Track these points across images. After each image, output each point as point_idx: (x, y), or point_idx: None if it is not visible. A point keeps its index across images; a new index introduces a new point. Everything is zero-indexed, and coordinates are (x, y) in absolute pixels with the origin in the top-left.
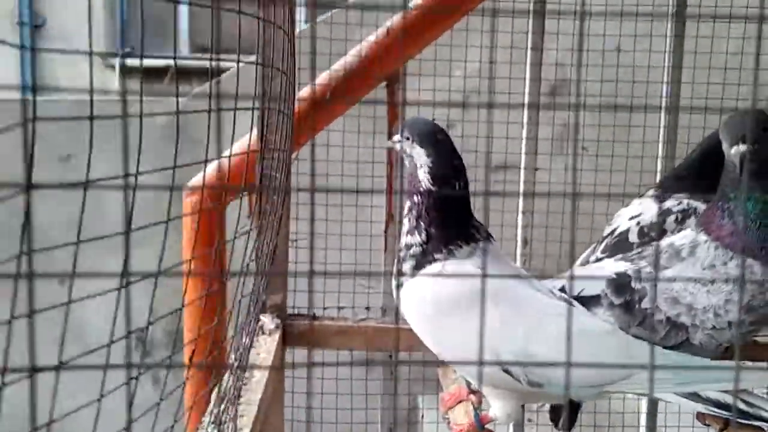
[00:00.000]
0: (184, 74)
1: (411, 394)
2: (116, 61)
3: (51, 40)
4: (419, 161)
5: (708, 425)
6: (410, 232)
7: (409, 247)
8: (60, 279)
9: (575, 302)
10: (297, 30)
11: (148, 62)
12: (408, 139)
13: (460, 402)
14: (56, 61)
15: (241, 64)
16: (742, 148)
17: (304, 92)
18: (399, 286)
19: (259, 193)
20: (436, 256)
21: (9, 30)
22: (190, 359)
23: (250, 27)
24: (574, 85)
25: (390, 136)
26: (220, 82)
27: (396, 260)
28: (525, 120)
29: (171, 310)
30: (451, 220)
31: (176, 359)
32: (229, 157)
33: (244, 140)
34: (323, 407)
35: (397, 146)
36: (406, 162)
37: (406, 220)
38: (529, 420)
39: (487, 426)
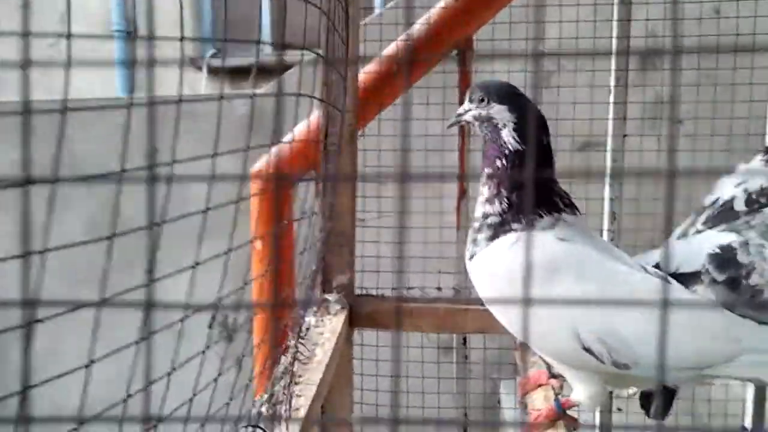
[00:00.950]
0: (267, 72)
1: (487, 378)
2: (203, 63)
3: (142, 45)
4: (501, 120)
5: None
6: (489, 201)
7: (486, 216)
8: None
9: (670, 278)
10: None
11: (233, 62)
12: (483, 100)
13: (540, 386)
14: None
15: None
16: None
17: (370, 66)
18: (472, 257)
19: (324, 174)
20: (514, 225)
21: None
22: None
23: (313, 21)
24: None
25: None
26: (283, 78)
27: (471, 230)
28: (612, 99)
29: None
30: (536, 185)
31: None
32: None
33: (304, 125)
34: (395, 390)
35: (468, 116)
36: (481, 130)
37: (485, 189)
38: (619, 409)
39: (569, 412)
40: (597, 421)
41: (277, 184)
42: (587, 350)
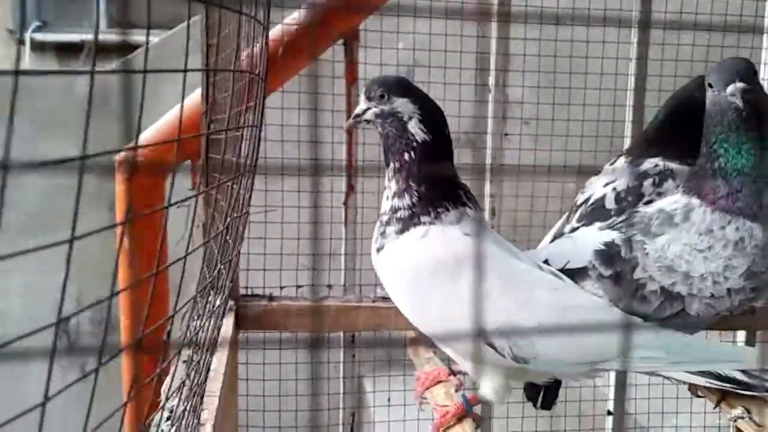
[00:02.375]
0: (102, 50)
1: (353, 378)
2: (26, 36)
3: None
4: (406, 113)
5: (701, 396)
6: (398, 195)
7: (395, 210)
8: None
9: (565, 277)
10: None
11: (61, 37)
12: (383, 96)
13: (439, 383)
14: None
15: (170, 32)
16: (740, 85)
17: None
18: (380, 250)
19: (205, 161)
20: (423, 219)
21: None
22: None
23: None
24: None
25: (349, 98)
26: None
27: (379, 224)
28: (492, 82)
29: (98, 296)
30: (441, 177)
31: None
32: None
33: (177, 108)
34: (281, 394)
35: (369, 114)
36: (383, 127)
37: (393, 183)
38: None
39: (475, 408)
40: None
41: (147, 174)
42: (490, 345)
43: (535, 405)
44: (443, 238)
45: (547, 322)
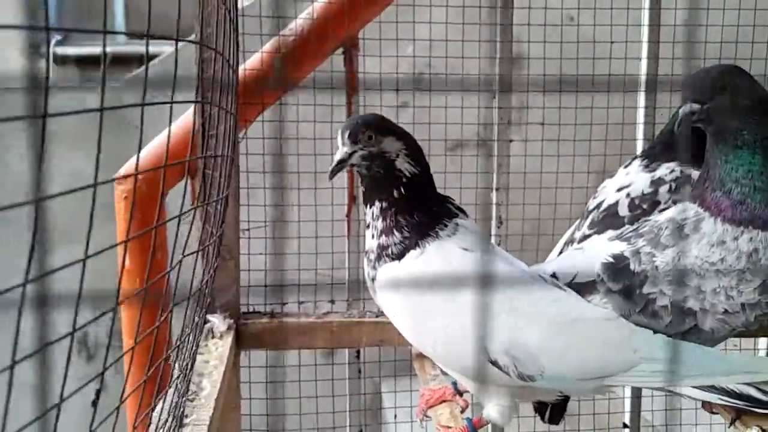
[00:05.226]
0: (122, 61)
1: (369, 378)
2: (49, 51)
3: None
4: (394, 151)
5: (715, 413)
6: (386, 233)
7: (384, 247)
8: None
9: (569, 290)
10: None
11: (83, 50)
12: (371, 138)
13: (444, 402)
14: None
15: (179, 45)
16: (687, 108)
17: (250, 62)
18: (374, 278)
19: (203, 175)
20: (420, 243)
21: None
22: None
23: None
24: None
25: (350, 109)
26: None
27: (367, 260)
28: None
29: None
30: (430, 202)
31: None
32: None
33: (181, 121)
34: (286, 414)
35: (356, 158)
36: (369, 170)
37: (379, 222)
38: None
39: (480, 431)
40: None
41: (146, 191)
42: (493, 363)
43: (543, 419)
44: (441, 255)
45: (551, 338)
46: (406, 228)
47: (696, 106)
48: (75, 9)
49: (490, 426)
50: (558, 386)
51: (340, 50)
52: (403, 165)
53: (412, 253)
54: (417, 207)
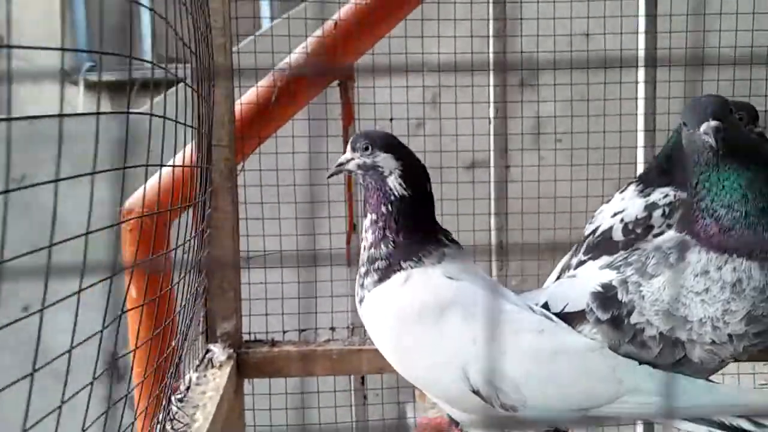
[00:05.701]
0: (150, 87)
1: (393, 403)
2: (79, 78)
3: (10, 58)
4: (388, 168)
5: None
6: (374, 245)
7: (372, 261)
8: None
9: (557, 319)
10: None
11: (112, 76)
12: (367, 149)
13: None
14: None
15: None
16: (713, 123)
17: (247, 96)
18: (362, 301)
19: (203, 206)
20: (403, 264)
21: None
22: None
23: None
24: (543, 74)
25: (346, 140)
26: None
27: (358, 276)
28: (491, 114)
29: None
30: (420, 227)
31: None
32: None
33: (181, 155)
34: None
35: (351, 165)
36: (364, 179)
37: (369, 234)
38: None
39: None
40: None
41: (151, 222)
42: (476, 393)
43: None
44: (425, 283)
45: (533, 368)
46: (392, 243)
47: (720, 123)
48: (111, 35)
49: None
50: (542, 417)
51: (336, 82)
52: (394, 184)
53: (397, 278)
54: (405, 228)
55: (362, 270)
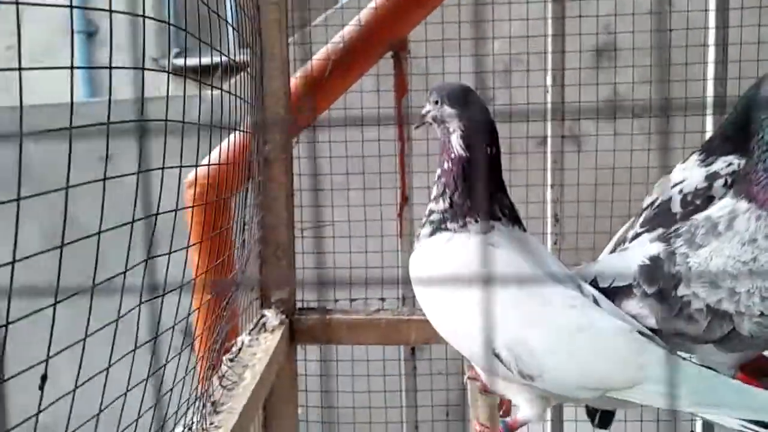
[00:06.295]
0: (233, 71)
1: (455, 376)
2: (168, 63)
3: (104, 46)
4: (451, 126)
5: None
6: (435, 199)
7: (431, 213)
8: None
9: (599, 295)
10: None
11: (197, 61)
12: (437, 102)
13: (487, 392)
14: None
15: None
16: None
17: (300, 71)
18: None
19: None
20: (450, 225)
21: (63, 39)
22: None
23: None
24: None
25: (399, 109)
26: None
27: (420, 226)
28: (549, 83)
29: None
30: (476, 192)
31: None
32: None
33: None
34: (339, 406)
35: (429, 117)
36: (438, 132)
37: (434, 186)
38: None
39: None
40: None
41: (213, 194)
42: (496, 355)
43: (593, 423)
44: (465, 247)
45: (554, 341)
46: (449, 200)
47: None
48: (194, 21)
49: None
50: (559, 391)
51: (389, 54)
52: (456, 143)
53: (440, 237)
54: (461, 189)
55: (423, 220)
